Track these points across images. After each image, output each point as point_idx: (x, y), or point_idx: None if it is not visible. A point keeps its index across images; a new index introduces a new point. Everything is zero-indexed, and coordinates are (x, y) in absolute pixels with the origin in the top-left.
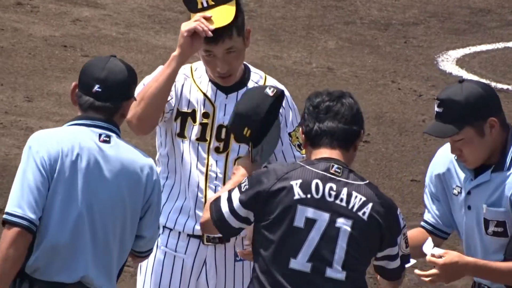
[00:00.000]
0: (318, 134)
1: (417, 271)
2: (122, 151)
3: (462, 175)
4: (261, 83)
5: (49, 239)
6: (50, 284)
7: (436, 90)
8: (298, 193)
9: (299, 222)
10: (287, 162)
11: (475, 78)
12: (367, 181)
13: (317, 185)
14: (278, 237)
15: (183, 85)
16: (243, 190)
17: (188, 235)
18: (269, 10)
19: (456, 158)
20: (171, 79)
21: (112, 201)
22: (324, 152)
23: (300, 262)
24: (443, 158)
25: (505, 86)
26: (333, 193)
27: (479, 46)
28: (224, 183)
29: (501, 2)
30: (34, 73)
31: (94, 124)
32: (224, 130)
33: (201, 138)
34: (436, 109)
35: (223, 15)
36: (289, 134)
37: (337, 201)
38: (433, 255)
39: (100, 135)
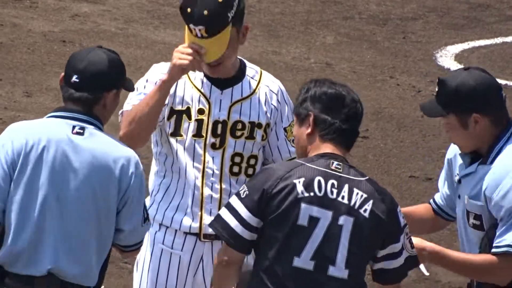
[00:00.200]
0: (336, 130)
1: None
2: (95, 143)
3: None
4: (256, 78)
5: (12, 235)
6: (20, 277)
7: (435, 86)
8: (301, 191)
9: (303, 220)
10: (285, 161)
11: None
12: (367, 177)
13: (319, 183)
14: (282, 236)
15: (177, 84)
16: (243, 196)
17: (184, 232)
18: (268, 5)
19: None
20: (161, 102)
21: (82, 192)
22: (327, 147)
23: (303, 261)
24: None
25: (503, 82)
26: (335, 190)
27: (478, 41)
28: (220, 180)
29: None
30: (33, 69)
31: (70, 116)
32: (220, 126)
33: (197, 134)
34: (436, 87)
35: (216, 46)
36: (285, 129)
37: (339, 199)
38: None
39: (74, 127)
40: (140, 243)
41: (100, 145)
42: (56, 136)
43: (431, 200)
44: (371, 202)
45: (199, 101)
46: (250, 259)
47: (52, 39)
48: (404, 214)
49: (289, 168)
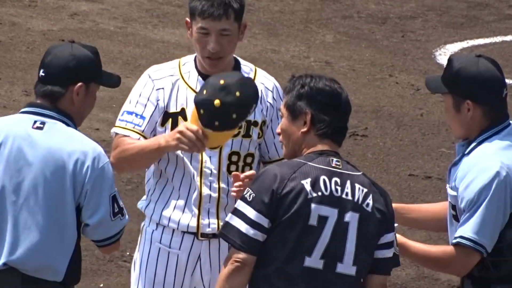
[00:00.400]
0: (333, 128)
1: None
2: (53, 138)
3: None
4: (251, 75)
5: None
6: None
7: None
8: (310, 192)
9: (313, 220)
10: (286, 161)
11: None
12: (361, 171)
13: (324, 182)
14: (294, 237)
15: (171, 89)
16: (250, 200)
17: (182, 231)
18: (267, 4)
19: None
20: (154, 160)
21: (36, 186)
22: (324, 145)
23: (313, 260)
24: None
25: None
26: (339, 188)
27: (477, 40)
28: (218, 179)
29: None
30: (32, 67)
31: (34, 111)
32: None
33: None
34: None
35: (221, 137)
36: None
37: (343, 195)
38: None
39: (35, 122)
40: (114, 238)
41: (57, 139)
42: (15, 132)
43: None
44: (371, 196)
45: None
46: None
47: (51, 38)
48: (424, 210)
49: (293, 169)
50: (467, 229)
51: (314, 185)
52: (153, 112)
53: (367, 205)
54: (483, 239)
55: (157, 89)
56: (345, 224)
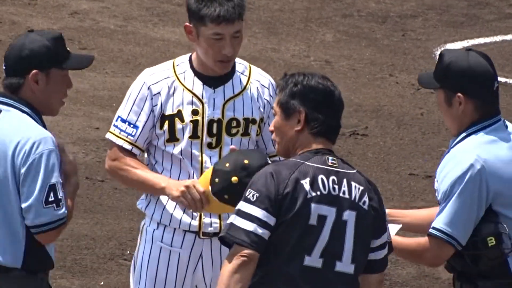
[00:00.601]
0: (327, 127)
1: None
2: (4, 124)
3: None
4: (246, 73)
5: None
6: None
7: None
8: (309, 191)
9: (313, 220)
10: (283, 161)
11: None
12: (356, 169)
13: (322, 181)
14: (295, 237)
15: (167, 92)
16: (254, 199)
17: (183, 230)
18: (267, 2)
19: None
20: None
21: None
22: (319, 143)
23: (313, 259)
24: None
25: (503, 79)
26: (336, 187)
27: (477, 39)
28: None
29: None
30: None
31: None
32: (215, 125)
33: (194, 135)
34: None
35: (221, 207)
36: None
37: (341, 194)
38: None
39: None
40: (47, 227)
41: (7, 126)
42: None
43: None
44: (366, 193)
45: (191, 102)
46: None
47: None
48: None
49: (291, 169)
50: (439, 220)
51: (313, 184)
52: (146, 121)
53: (364, 203)
54: (454, 230)
55: (154, 95)
56: (343, 223)
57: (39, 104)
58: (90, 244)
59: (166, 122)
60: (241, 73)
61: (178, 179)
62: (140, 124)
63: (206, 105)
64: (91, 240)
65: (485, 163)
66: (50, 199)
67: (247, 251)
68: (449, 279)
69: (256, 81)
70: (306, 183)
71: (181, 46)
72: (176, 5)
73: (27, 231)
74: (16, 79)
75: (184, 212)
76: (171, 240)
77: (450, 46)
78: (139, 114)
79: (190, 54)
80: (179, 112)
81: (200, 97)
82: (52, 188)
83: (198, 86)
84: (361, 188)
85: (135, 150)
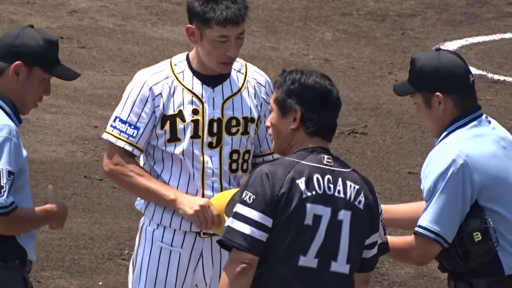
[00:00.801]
0: (323, 126)
1: None
2: None
3: None
4: (243, 71)
5: None
6: None
7: None
8: (304, 191)
9: (308, 220)
10: (278, 160)
11: (471, 69)
12: (351, 167)
13: (318, 180)
14: (290, 237)
15: (168, 92)
16: (250, 201)
17: (184, 231)
18: (266, 1)
19: None
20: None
21: None
22: (314, 142)
23: (308, 259)
24: None
25: (501, 78)
26: (332, 186)
27: (476, 38)
28: (220, 179)
29: None
30: None
31: None
32: (215, 124)
33: (195, 135)
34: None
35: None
36: None
37: (336, 193)
38: None
39: None
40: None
41: None
42: None
43: None
44: (362, 193)
45: (191, 102)
46: None
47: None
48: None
49: (287, 168)
50: (424, 218)
51: (308, 184)
52: (148, 123)
53: (359, 202)
54: (440, 228)
55: (155, 96)
56: (339, 223)
57: (14, 97)
58: (89, 244)
59: (168, 122)
60: (238, 71)
61: (179, 179)
62: (141, 125)
63: (206, 105)
64: (89, 240)
65: (467, 158)
66: None
67: (246, 257)
68: (448, 277)
69: (253, 79)
70: (301, 182)
71: (179, 45)
72: (175, 4)
73: None
74: (1, 63)
75: None
76: (171, 240)
77: (448, 44)
78: (140, 115)
79: (186, 53)
80: (180, 112)
81: (200, 97)
82: None
83: (197, 85)
84: (357, 187)
85: (136, 152)
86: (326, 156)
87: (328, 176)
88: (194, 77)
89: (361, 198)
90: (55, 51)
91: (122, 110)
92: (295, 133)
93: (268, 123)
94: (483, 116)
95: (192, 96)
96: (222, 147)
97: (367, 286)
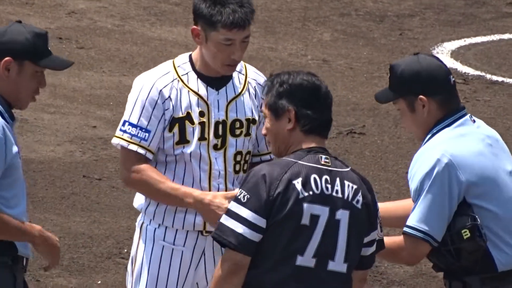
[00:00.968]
0: (317, 123)
1: None
2: None
3: None
4: (243, 72)
5: None
6: None
7: None
8: (301, 191)
9: (305, 220)
10: (275, 161)
11: (470, 70)
12: (350, 167)
13: (315, 180)
14: (287, 237)
15: (176, 94)
16: (244, 201)
17: (187, 230)
18: (265, 1)
19: None
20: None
21: None
22: (311, 141)
23: (306, 259)
24: None
25: (500, 78)
26: (329, 186)
27: (474, 38)
28: (225, 180)
29: None
30: None
31: None
32: (220, 127)
33: (202, 137)
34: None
35: None
36: None
37: (334, 193)
38: None
39: None
40: None
41: None
42: None
43: None
44: (360, 192)
45: (198, 104)
46: None
47: (49, 36)
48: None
49: (283, 169)
50: (412, 218)
51: (305, 184)
52: (158, 125)
53: (357, 201)
54: (428, 227)
55: (165, 99)
56: (336, 222)
57: (8, 93)
58: (88, 243)
59: (176, 125)
60: (239, 72)
61: (183, 181)
62: (152, 128)
63: (211, 107)
64: (88, 239)
65: (452, 157)
66: None
67: (238, 257)
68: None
69: (253, 80)
70: (298, 183)
71: (178, 45)
72: (173, 4)
73: None
74: None
75: (186, 213)
76: (173, 238)
77: (447, 45)
78: (150, 118)
79: (189, 54)
80: (189, 114)
81: (205, 99)
82: None
83: (202, 87)
84: (355, 186)
85: (148, 155)
86: (324, 156)
87: (326, 176)
88: (198, 79)
89: (359, 197)
90: (45, 43)
91: (131, 114)
92: (292, 133)
93: (264, 131)
94: (468, 116)
95: (198, 98)
96: (226, 148)
97: (364, 284)
